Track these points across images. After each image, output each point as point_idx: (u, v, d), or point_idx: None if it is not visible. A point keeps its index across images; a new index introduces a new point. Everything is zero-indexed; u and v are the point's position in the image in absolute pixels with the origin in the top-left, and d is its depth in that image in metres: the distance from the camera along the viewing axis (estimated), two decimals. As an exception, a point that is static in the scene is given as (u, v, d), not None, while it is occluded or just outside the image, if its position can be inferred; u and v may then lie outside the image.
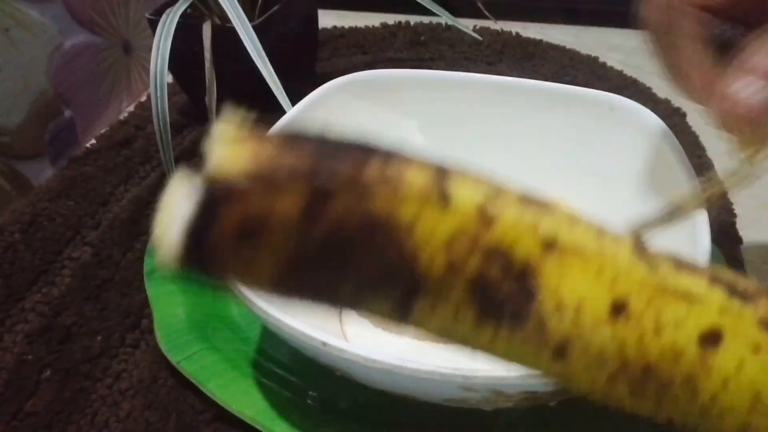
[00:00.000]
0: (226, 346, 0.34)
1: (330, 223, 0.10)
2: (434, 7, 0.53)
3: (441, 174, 0.12)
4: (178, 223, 0.10)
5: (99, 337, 0.36)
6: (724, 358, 0.14)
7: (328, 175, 0.10)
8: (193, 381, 0.32)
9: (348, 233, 0.11)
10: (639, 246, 0.14)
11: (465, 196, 0.12)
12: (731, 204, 0.46)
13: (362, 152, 0.11)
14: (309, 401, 0.32)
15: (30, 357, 0.35)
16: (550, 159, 0.37)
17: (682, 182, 0.30)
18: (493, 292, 0.12)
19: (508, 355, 0.14)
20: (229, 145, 0.10)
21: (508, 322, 0.13)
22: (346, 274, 0.11)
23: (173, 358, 0.33)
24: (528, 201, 0.13)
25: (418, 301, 0.12)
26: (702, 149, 0.51)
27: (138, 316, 0.38)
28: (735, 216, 0.45)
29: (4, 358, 0.35)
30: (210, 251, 0.10)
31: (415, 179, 0.11)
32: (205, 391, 0.32)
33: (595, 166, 0.36)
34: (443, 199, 0.12)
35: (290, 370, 0.33)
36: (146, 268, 0.39)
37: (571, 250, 0.13)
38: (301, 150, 0.10)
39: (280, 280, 0.11)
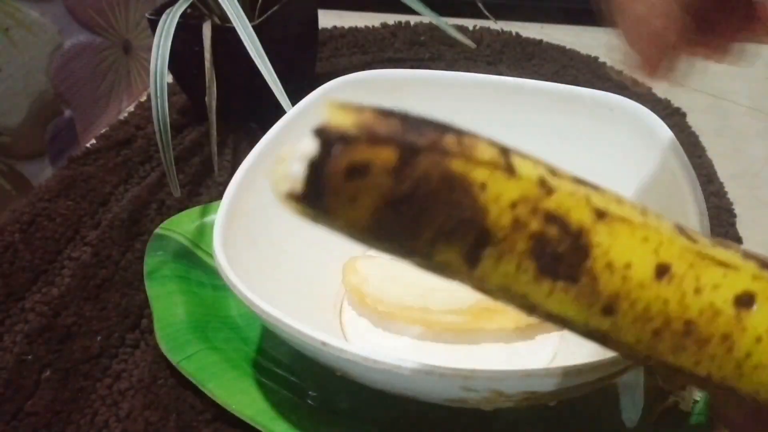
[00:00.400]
0: (226, 346, 0.34)
1: (417, 175, 0.12)
2: (418, 7, 0.53)
3: (505, 151, 0.14)
4: (300, 161, 0.12)
5: (99, 337, 0.36)
6: (758, 319, 0.15)
7: (416, 137, 0.13)
8: (193, 381, 0.32)
9: (431, 185, 0.13)
10: (678, 225, 0.16)
11: (527, 168, 0.14)
12: (731, 204, 0.46)
13: (440, 125, 0.13)
14: (309, 401, 0.32)
15: (30, 357, 0.35)
16: (550, 159, 0.37)
17: (682, 182, 0.30)
18: (552, 249, 0.14)
19: (561, 310, 0.15)
20: (339, 109, 0.12)
21: (564, 278, 0.14)
22: (427, 220, 0.13)
23: (173, 358, 0.33)
24: (580, 181, 0.15)
25: (486, 251, 0.14)
26: (702, 149, 0.51)
27: (138, 316, 0.38)
28: (735, 216, 0.45)
29: (4, 358, 0.35)
30: (324, 184, 0.12)
31: (485, 151, 0.13)
32: (205, 391, 0.32)
33: (595, 166, 0.36)
34: (509, 169, 0.14)
35: (290, 370, 0.33)
36: (146, 268, 0.39)
37: (620, 219, 0.15)
38: (393, 118, 0.13)
39: (373, 221, 0.13)
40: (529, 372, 0.22)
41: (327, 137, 0.12)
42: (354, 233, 0.13)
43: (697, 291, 0.15)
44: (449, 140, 0.13)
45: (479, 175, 0.13)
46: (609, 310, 0.15)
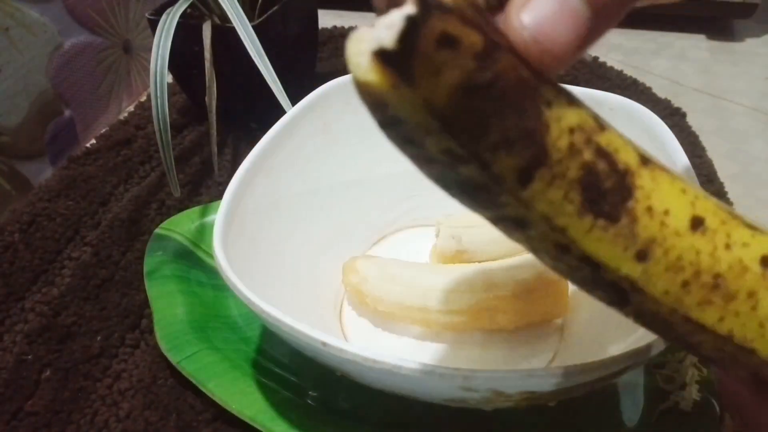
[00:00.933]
0: (226, 346, 0.34)
1: (497, 69, 0.13)
2: None
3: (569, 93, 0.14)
4: (389, 27, 0.12)
5: (99, 337, 0.36)
6: None
7: (498, 37, 0.13)
8: (193, 381, 0.32)
9: (507, 83, 0.13)
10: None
11: (584, 106, 0.15)
12: (731, 204, 0.46)
13: None
14: (309, 401, 0.32)
15: (30, 357, 0.35)
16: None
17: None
18: (599, 183, 0.14)
19: (598, 249, 0.15)
20: None
21: (606, 215, 0.14)
22: (497, 120, 0.13)
23: (173, 358, 0.33)
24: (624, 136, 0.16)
25: (540, 172, 0.14)
26: (702, 149, 0.51)
27: (138, 316, 0.38)
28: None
29: (4, 358, 0.35)
30: (416, 46, 0.12)
31: (551, 78, 0.14)
32: (204, 391, 0.32)
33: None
34: (570, 98, 0.14)
35: (290, 370, 0.33)
36: (146, 268, 0.39)
37: (661, 168, 0.15)
38: (483, 14, 0.13)
39: (449, 102, 0.13)
40: (529, 372, 0.22)
41: (427, 3, 0.12)
42: (425, 114, 0.13)
43: (728, 246, 0.16)
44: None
45: (547, 92, 0.14)
46: (643, 255, 0.15)
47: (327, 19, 0.68)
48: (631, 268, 0.15)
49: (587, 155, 0.14)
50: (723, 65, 0.68)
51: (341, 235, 0.38)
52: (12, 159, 0.50)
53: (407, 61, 0.12)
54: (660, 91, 0.59)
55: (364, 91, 0.13)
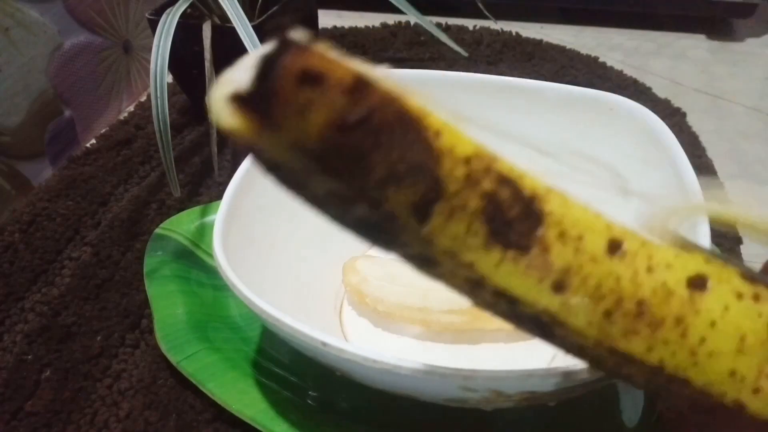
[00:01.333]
0: (226, 346, 0.34)
1: (371, 103, 0.12)
2: (408, 9, 0.53)
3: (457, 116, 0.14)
4: (248, 69, 0.11)
5: (99, 337, 0.36)
6: (711, 302, 0.15)
7: (370, 72, 0.12)
8: (193, 381, 0.32)
9: (385, 117, 0.12)
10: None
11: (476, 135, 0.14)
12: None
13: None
14: (309, 401, 0.32)
15: (30, 357, 0.35)
16: (550, 159, 0.37)
17: (683, 182, 0.30)
18: (504, 213, 0.13)
19: (510, 284, 0.14)
20: (297, 33, 0.12)
21: (515, 246, 0.13)
22: (379, 157, 0.12)
23: (173, 358, 0.33)
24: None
25: (437, 206, 0.13)
26: (702, 149, 0.51)
27: (138, 316, 0.38)
28: (735, 216, 0.45)
29: (4, 358, 0.35)
30: (274, 86, 0.11)
31: (437, 108, 0.13)
32: (204, 391, 0.32)
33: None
34: (461, 126, 0.13)
35: (290, 370, 0.33)
36: (146, 268, 0.39)
37: (572, 196, 0.14)
38: (352, 60, 0.12)
39: (321, 143, 0.12)
40: (529, 372, 0.22)
41: (285, 41, 0.11)
42: (299, 157, 0.12)
43: (650, 270, 0.15)
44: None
45: (434, 122, 0.13)
46: (560, 286, 0.14)
47: (327, 19, 0.68)
48: (548, 301, 0.14)
49: (488, 184, 0.13)
50: (723, 65, 0.68)
51: (341, 235, 0.38)
52: (12, 159, 0.50)
53: (266, 103, 0.11)
54: (660, 91, 0.59)
55: (232, 138, 0.12)
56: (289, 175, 0.13)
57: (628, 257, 0.14)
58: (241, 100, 0.11)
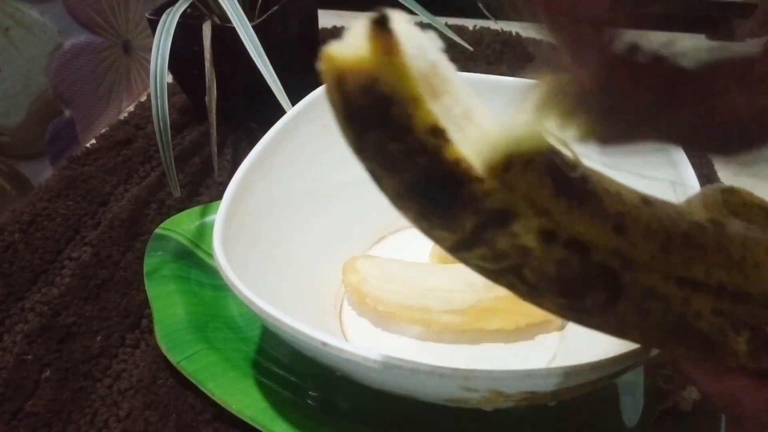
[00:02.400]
0: (226, 346, 0.34)
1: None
2: (414, 7, 0.53)
3: None
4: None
5: (99, 337, 0.36)
6: (732, 228, 0.18)
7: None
8: (193, 381, 0.32)
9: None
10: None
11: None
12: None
13: None
14: (309, 401, 0.32)
15: (30, 357, 0.35)
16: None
17: (682, 182, 0.30)
18: (560, 170, 0.15)
19: (581, 228, 0.16)
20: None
21: (576, 197, 0.16)
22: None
23: (173, 358, 0.33)
24: None
25: (515, 158, 0.15)
26: (702, 149, 0.51)
27: (138, 316, 0.38)
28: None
29: (4, 358, 0.35)
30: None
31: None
32: (205, 391, 0.32)
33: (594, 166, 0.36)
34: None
35: (290, 370, 0.33)
36: (146, 268, 0.39)
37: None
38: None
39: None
40: (529, 372, 0.22)
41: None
42: (411, 86, 0.14)
43: (679, 214, 0.17)
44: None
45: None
46: (620, 228, 0.16)
47: (327, 19, 0.68)
48: (615, 241, 0.16)
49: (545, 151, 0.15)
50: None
51: (341, 235, 0.38)
52: (12, 159, 0.50)
53: (390, 34, 0.13)
54: (660, 91, 0.59)
55: (353, 77, 0.14)
56: (397, 113, 0.14)
57: (658, 205, 0.17)
58: (380, 23, 0.14)
